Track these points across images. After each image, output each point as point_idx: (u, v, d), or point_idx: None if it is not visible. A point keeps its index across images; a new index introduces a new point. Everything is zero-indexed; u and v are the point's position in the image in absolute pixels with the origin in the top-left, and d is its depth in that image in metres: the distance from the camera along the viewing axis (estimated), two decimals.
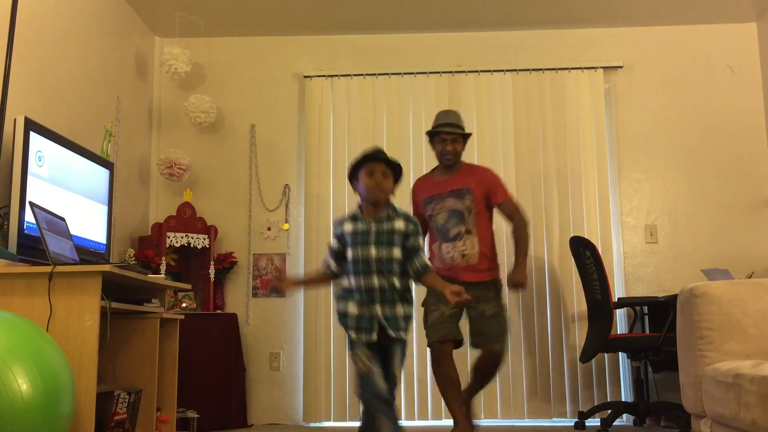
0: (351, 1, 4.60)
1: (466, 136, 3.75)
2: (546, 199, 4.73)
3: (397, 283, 2.55)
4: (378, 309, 2.53)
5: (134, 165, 4.66)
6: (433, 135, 3.74)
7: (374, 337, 2.53)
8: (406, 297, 2.59)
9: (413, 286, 2.69)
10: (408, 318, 2.60)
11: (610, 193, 4.76)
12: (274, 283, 2.57)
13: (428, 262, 2.66)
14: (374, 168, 2.62)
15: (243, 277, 4.80)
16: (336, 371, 4.61)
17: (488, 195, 3.68)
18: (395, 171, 2.68)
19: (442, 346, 3.44)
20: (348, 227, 2.63)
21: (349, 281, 2.59)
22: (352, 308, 2.55)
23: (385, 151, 4.90)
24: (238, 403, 4.37)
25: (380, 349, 2.57)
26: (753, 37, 4.93)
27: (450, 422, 4.45)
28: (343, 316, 2.60)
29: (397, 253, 2.56)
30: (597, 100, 4.83)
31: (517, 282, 3.58)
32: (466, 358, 4.30)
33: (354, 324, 2.55)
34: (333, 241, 2.69)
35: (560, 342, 4.58)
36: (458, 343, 3.52)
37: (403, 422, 4.51)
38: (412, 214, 3.74)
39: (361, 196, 2.66)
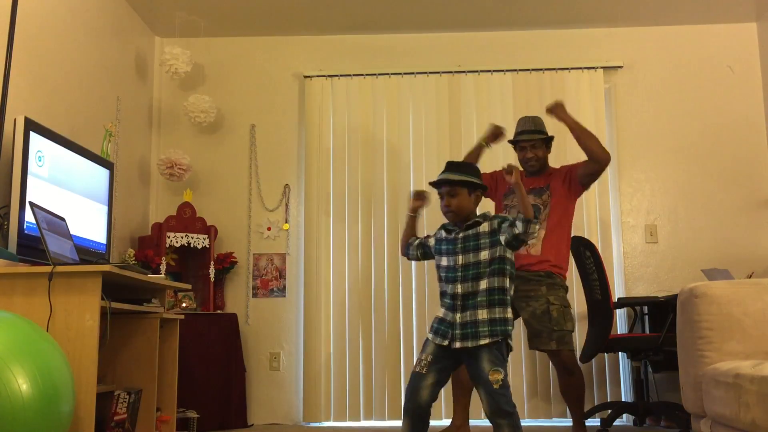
0: (351, 1, 4.60)
1: (548, 140, 3.75)
2: None
3: (483, 285, 2.52)
4: (458, 316, 2.52)
5: (134, 165, 4.66)
6: (514, 144, 3.78)
7: (445, 342, 2.51)
8: (492, 301, 2.52)
9: (508, 286, 2.58)
10: (495, 321, 2.50)
11: (610, 193, 4.76)
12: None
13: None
14: (441, 192, 2.65)
15: (243, 277, 4.80)
16: (336, 371, 4.61)
17: (569, 177, 3.67)
18: (468, 183, 2.63)
19: None
20: (441, 234, 2.69)
21: (441, 286, 2.65)
22: (440, 312, 2.61)
23: (385, 151, 4.94)
24: (238, 403, 4.37)
25: (465, 359, 2.54)
26: (753, 37, 4.93)
27: (449, 422, 4.45)
28: (434, 322, 2.62)
29: (484, 255, 2.54)
30: (597, 100, 4.83)
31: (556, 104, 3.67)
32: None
33: (435, 325, 2.59)
34: (432, 239, 2.75)
35: None
36: None
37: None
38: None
39: None
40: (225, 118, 4.98)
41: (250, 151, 4.96)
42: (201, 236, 4.51)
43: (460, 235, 2.60)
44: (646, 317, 4.54)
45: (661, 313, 4.25)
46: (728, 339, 2.62)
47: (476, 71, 4.89)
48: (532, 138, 3.71)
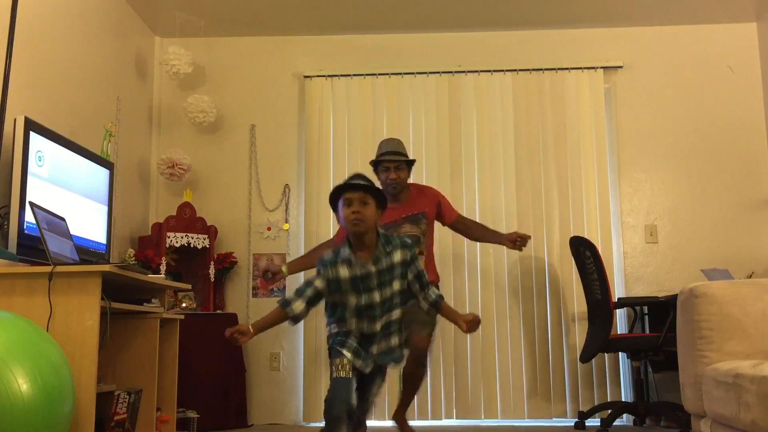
0: (351, 1, 4.59)
1: (410, 163, 3.80)
2: (546, 199, 4.73)
3: (395, 315, 2.45)
4: (375, 348, 2.43)
5: (134, 165, 4.66)
6: (376, 164, 3.79)
7: (368, 369, 2.43)
8: (401, 326, 2.50)
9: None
10: (401, 346, 2.51)
11: (610, 193, 4.76)
12: (233, 336, 2.39)
13: (439, 292, 2.56)
14: (352, 197, 2.40)
15: (243, 277, 4.80)
16: None
17: (439, 214, 3.87)
18: (378, 197, 2.45)
19: None
20: (344, 272, 2.39)
21: (342, 324, 2.44)
22: (352, 341, 2.42)
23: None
24: (238, 403, 4.37)
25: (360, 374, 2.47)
26: (753, 37, 4.93)
27: (451, 422, 4.47)
28: (342, 337, 2.43)
29: (397, 285, 2.43)
30: (597, 100, 4.83)
31: (514, 236, 3.77)
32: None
33: (352, 349, 2.41)
34: (319, 282, 2.42)
35: (560, 342, 4.58)
36: None
37: None
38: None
39: (342, 227, 2.50)
40: (225, 118, 4.98)
41: (250, 151, 4.96)
42: (201, 236, 4.51)
43: (373, 270, 2.39)
44: (646, 317, 4.54)
45: (661, 313, 4.25)
46: (728, 339, 2.62)
47: (476, 71, 4.89)
48: (397, 159, 3.72)
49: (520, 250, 3.84)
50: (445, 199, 3.97)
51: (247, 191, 4.92)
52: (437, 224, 3.97)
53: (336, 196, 2.47)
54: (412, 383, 3.64)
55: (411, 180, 3.92)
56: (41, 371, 2.21)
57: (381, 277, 2.40)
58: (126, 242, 4.48)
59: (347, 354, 2.38)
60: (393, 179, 3.72)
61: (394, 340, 2.48)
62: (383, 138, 4.82)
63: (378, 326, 2.41)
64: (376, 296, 2.39)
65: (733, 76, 4.90)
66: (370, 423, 4.48)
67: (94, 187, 3.60)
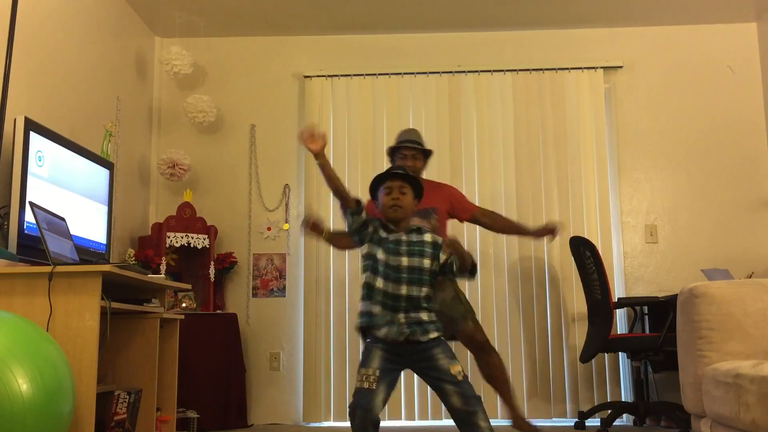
0: (351, 1, 4.60)
1: (426, 154, 3.77)
2: (546, 199, 4.73)
3: (424, 292, 2.45)
4: (402, 316, 2.40)
5: (134, 165, 4.66)
6: (393, 152, 3.76)
7: (401, 337, 2.38)
8: (430, 308, 2.48)
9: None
10: (435, 322, 2.47)
11: (610, 193, 4.76)
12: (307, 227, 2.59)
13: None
14: (392, 185, 2.53)
15: (243, 277, 4.80)
16: (336, 371, 4.61)
17: (453, 211, 3.78)
18: (415, 186, 2.57)
19: None
20: (382, 233, 2.51)
21: (374, 280, 2.45)
22: (376, 309, 2.42)
23: (385, 151, 4.94)
24: (238, 403, 4.37)
25: (416, 363, 2.45)
26: (753, 37, 4.94)
27: (451, 422, 4.45)
28: (367, 316, 2.44)
29: (427, 263, 2.47)
30: (597, 100, 4.83)
31: (550, 227, 3.68)
32: None
33: (381, 322, 2.40)
34: (365, 215, 2.52)
35: (560, 342, 4.58)
36: None
37: (403, 422, 4.52)
38: None
39: (381, 213, 2.56)
40: (225, 118, 4.98)
41: (250, 151, 4.96)
42: (201, 236, 4.51)
43: (404, 238, 2.49)
44: (646, 317, 4.54)
45: (661, 313, 4.25)
46: (728, 339, 2.62)
47: (476, 71, 4.89)
48: (414, 147, 3.69)
49: (551, 240, 3.72)
50: (461, 194, 3.90)
51: (247, 191, 4.92)
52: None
53: (376, 184, 2.60)
54: (496, 375, 3.56)
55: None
56: (41, 371, 2.21)
57: (410, 247, 2.48)
58: (126, 242, 4.49)
59: (378, 333, 2.41)
60: (409, 166, 3.63)
61: (425, 316, 2.44)
62: (383, 138, 4.86)
63: (403, 290, 2.42)
64: (404, 261, 2.45)
65: (733, 76, 4.90)
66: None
67: (94, 187, 3.60)
